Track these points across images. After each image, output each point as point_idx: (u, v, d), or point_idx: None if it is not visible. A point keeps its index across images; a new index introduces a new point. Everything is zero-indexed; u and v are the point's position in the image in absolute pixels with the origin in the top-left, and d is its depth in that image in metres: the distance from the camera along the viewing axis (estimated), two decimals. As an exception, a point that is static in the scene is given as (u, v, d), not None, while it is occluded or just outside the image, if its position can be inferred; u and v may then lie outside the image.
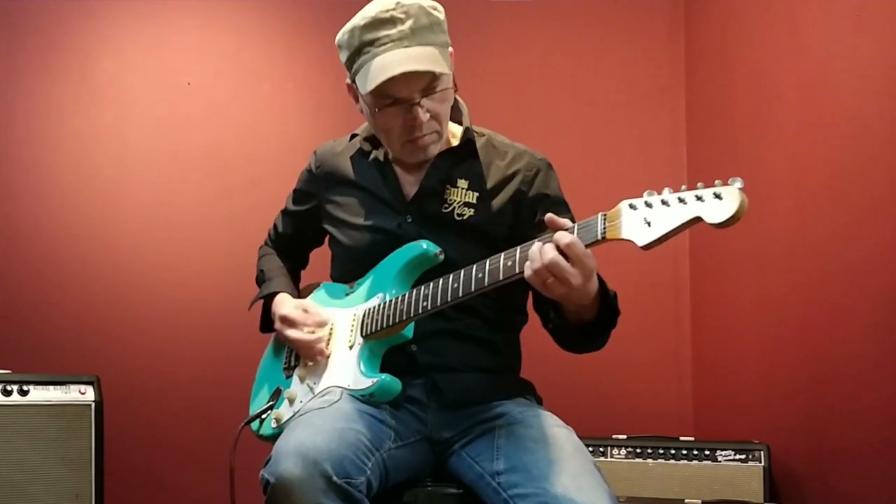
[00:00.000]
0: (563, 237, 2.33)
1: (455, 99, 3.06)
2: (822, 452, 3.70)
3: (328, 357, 2.91)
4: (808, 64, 3.82)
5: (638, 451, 4.04)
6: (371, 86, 2.75)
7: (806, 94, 3.83)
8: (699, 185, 2.11)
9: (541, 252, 2.36)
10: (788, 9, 3.99)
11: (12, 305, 4.76)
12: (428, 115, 2.81)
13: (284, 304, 3.10)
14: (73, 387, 3.84)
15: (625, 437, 4.10)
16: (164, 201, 4.95)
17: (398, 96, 2.79)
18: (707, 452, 3.95)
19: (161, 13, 5.04)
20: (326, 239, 3.27)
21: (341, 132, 3.26)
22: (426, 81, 2.77)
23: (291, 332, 2.98)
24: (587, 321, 2.66)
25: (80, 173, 4.90)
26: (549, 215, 2.44)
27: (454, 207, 2.93)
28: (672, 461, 3.98)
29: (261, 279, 3.35)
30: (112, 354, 4.76)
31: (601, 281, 2.56)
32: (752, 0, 4.35)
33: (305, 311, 3.02)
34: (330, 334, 2.96)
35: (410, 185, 3.01)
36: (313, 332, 2.96)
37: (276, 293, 3.20)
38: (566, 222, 2.40)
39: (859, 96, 3.44)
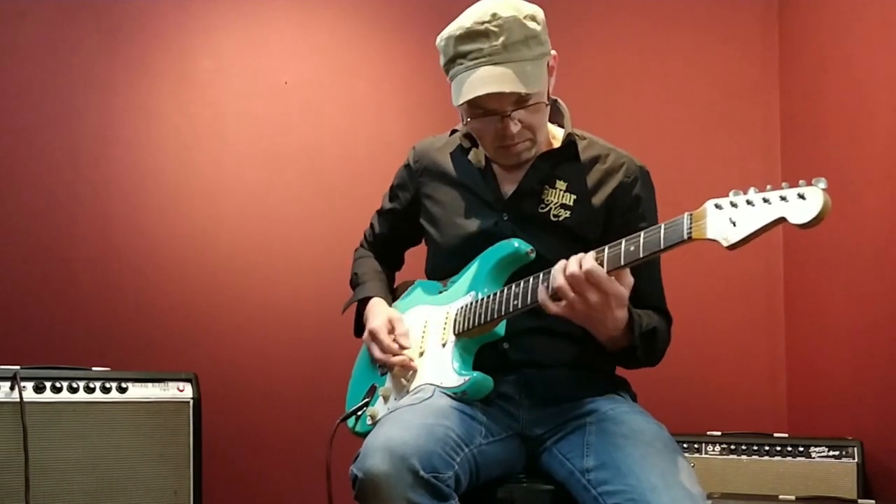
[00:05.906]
0: (586, 261, 2.49)
1: (556, 101, 3.07)
2: (917, 449, 3.69)
3: (422, 355, 2.94)
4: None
5: (732, 447, 4.04)
6: (459, 101, 2.79)
7: (901, 92, 3.81)
8: (783, 184, 2.12)
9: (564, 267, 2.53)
10: (883, 6, 3.95)
11: (111, 303, 4.84)
12: (519, 126, 2.82)
13: (374, 315, 3.12)
14: (171, 384, 3.91)
15: (719, 433, 4.11)
16: (261, 200, 5.02)
17: (489, 108, 2.80)
18: (801, 449, 3.94)
19: (259, 13, 5.10)
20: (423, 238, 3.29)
21: (437, 132, 3.29)
22: (517, 95, 2.76)
23: (377, 353, 3.01)
24: (624, 347, 2.76)
25: (179, 172, 4.98)
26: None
27: (551, 208, 2.93)
28: (766, 457, 3.98)
29: (354, 282, 3.36)
30: (210, 352, 4.84)
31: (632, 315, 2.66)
32: (846, -3, 4.33)
33: (392, 325, 3.04)
34: (423, 332, 2.99)
35: (509, 183, 3.01)
36: (398, 353, 2.98)
37: (369, 297, 3.22)
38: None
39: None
